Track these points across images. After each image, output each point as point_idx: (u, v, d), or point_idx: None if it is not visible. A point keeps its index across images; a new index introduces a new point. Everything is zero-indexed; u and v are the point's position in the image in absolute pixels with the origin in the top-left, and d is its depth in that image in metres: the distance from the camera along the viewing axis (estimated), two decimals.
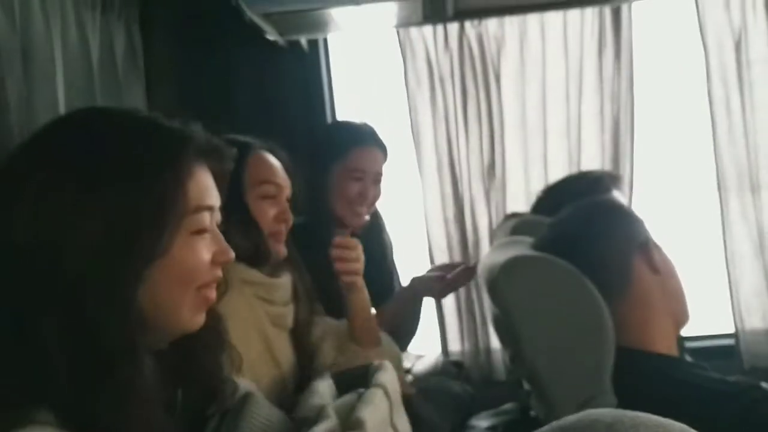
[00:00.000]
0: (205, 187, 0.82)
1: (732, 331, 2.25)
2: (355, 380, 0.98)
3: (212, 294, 0.83)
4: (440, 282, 1.88)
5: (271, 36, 2.06)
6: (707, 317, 2.12)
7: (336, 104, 2.34)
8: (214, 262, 0.82)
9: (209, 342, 0.87)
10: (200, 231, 0.80)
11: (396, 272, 2.06)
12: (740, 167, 2.20)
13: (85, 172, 0.73)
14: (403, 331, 1.84)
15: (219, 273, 0.84)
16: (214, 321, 0.88)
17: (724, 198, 2.22)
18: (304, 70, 2.25)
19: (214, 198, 0.83)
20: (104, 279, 0.71)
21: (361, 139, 1.86)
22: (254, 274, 1.28)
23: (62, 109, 1.51)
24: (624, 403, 1.13)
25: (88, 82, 1.65)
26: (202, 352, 0.85)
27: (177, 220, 0.77)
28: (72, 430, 0.68)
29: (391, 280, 2.03)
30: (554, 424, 0.54)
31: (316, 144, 1.90)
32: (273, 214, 1.33)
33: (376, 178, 1.86)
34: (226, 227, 0.87)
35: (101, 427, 0.69)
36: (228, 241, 0.85)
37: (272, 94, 2.21)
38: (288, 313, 1.34)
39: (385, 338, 1.47)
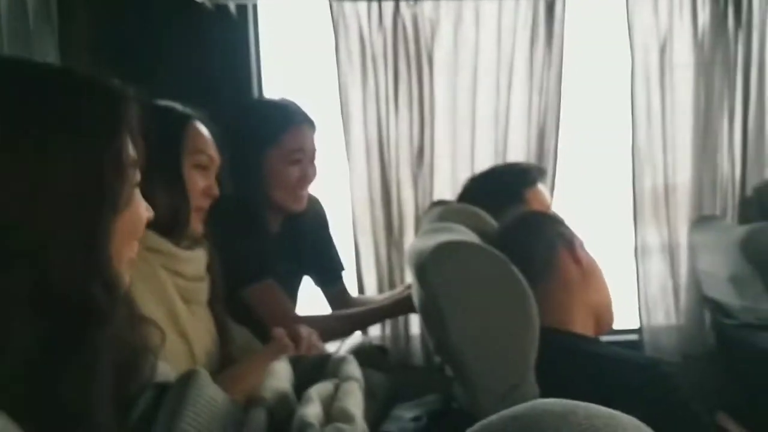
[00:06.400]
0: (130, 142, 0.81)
1: (636, 326, 2.33)
2: (313, 368, 0.93)
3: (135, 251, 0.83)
4: None
5: None
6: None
7: (263, 75, 2.26)
8: None
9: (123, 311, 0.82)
10: (137, 184, 0.80)
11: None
12: (656, 165, 2.27)
13: (37, 128, 0.68)
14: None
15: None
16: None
17: (638, 194, 2.29)
18: (231, 38, 2.16)
19: None
20: (76, 231, 0.68)
21: (292, 119, 1.78)
22: (162, 243, 1.21)
23: None
24: (544, 377, 1.17)
25: None
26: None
27: (131, 171, 0.76)
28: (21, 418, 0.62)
29: (337, 253, 2.00)
30: (503, 413, 0.52)
31: (247, 127, 1.78)
32: (202, 186, 1.30)
33: (313, 156, 1.81)
34: (149, 190, 0.85)
35: (61, 409, 0.65)
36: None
37: (196, 60, 2.10)
38: (201, 289, 1.29)
39: None
